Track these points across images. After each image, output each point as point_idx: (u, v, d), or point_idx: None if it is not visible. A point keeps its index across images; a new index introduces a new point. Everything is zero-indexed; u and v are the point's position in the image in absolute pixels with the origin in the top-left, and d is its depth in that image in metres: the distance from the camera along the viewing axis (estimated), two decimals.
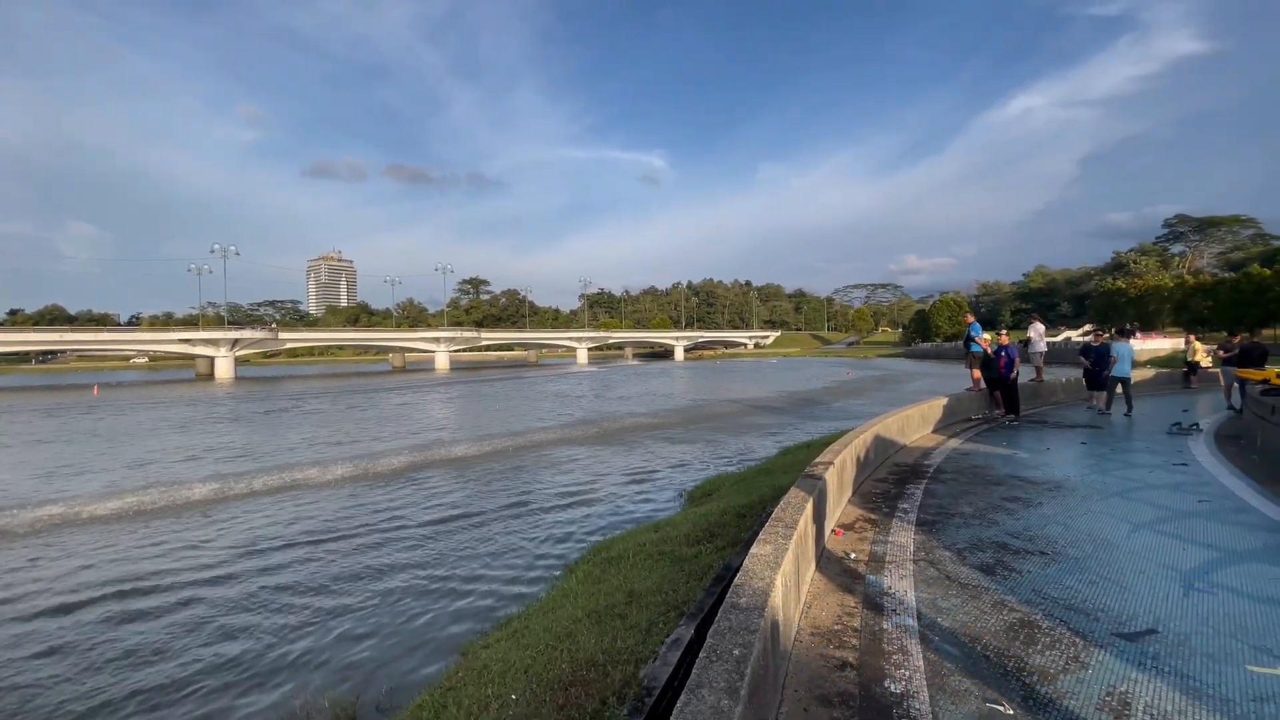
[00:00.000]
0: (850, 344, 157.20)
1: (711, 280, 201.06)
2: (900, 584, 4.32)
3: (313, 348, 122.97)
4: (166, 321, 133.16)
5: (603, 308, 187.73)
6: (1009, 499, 6.60)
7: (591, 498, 14.29)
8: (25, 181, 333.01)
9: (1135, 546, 5.06)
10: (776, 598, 3.07)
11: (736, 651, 2.52)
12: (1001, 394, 13.54)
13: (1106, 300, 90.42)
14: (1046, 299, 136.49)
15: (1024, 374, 14.56)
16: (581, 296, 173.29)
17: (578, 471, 17.40)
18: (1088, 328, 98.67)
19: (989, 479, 7.60)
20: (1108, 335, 17.29)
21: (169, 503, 14.44)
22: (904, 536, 5.35)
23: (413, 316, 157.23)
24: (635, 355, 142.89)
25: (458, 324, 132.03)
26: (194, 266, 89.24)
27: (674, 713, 2.24)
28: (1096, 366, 14.51)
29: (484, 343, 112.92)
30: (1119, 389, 14.28)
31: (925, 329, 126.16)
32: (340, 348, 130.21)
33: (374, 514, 13.19)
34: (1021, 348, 14.39)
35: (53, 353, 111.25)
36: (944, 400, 12.49)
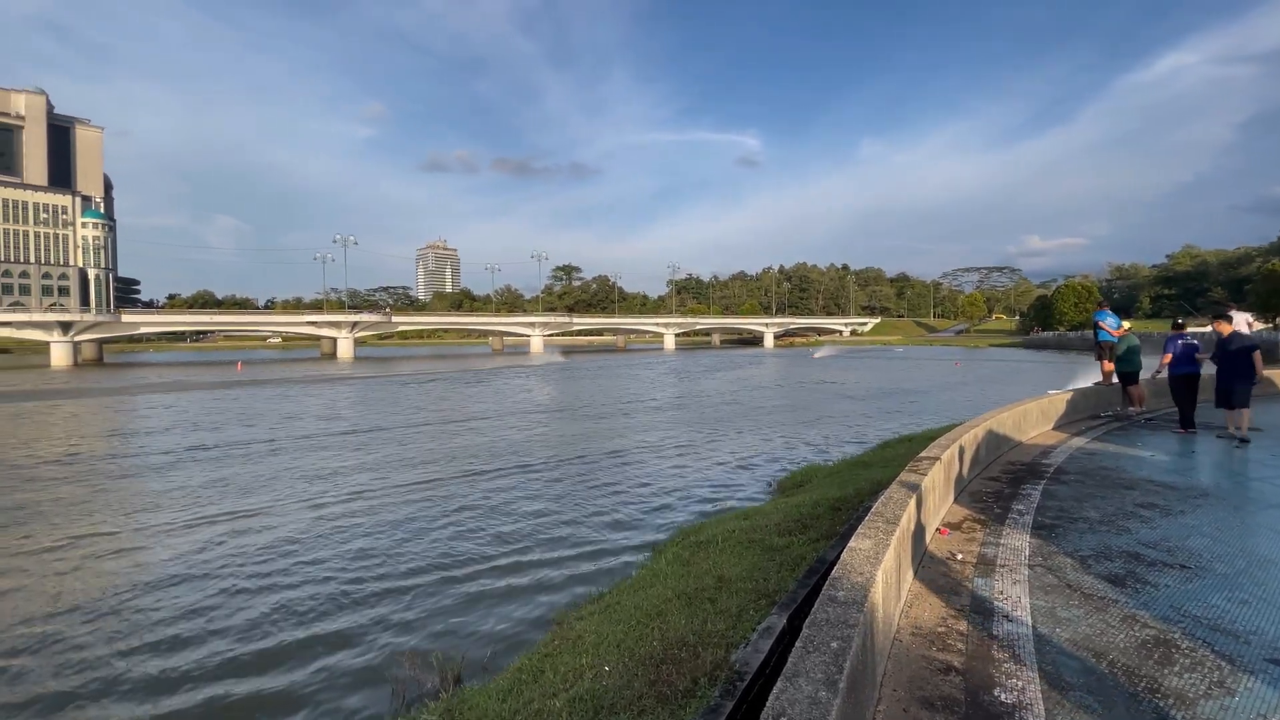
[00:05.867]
0: (959, 332, 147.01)
1: (805, 264, 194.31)
2: (1013, 589, 4.05)
3: (421, 330, 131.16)
4: (297, 306, 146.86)
5: (690, 293, 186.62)
6: (1144, 505, 5.98)
7: (680, 482, 14.41)
8: (181, 180, 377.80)
9: None
10: (876, 594, 2.98)
11: (835, 644, 2.48)
12: (1186, 392, 10.74)
13: (1271, 284, 78.49)
14: (1195, 283, 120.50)
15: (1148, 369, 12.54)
16: (669, 282, 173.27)
17: (666, 456, 17.58)
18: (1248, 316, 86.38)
19: (1120, 482, 6.92)
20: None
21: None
22: (1018, 540, 5.00)
23: (510, 302, 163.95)
24: (723, 342, 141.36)
25: (551, 309, 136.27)
26: (319, 255, 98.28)
27: (770, 699, 2.24)
28: (1233, 373, 9.42)
29: (575, 328, 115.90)
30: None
31: (1047, 316, 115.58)
32: (445, 331, 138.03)
33: (478, 495, 14.02)
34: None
35: (204, 332, 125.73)
36: (1068, 395, 11.46)
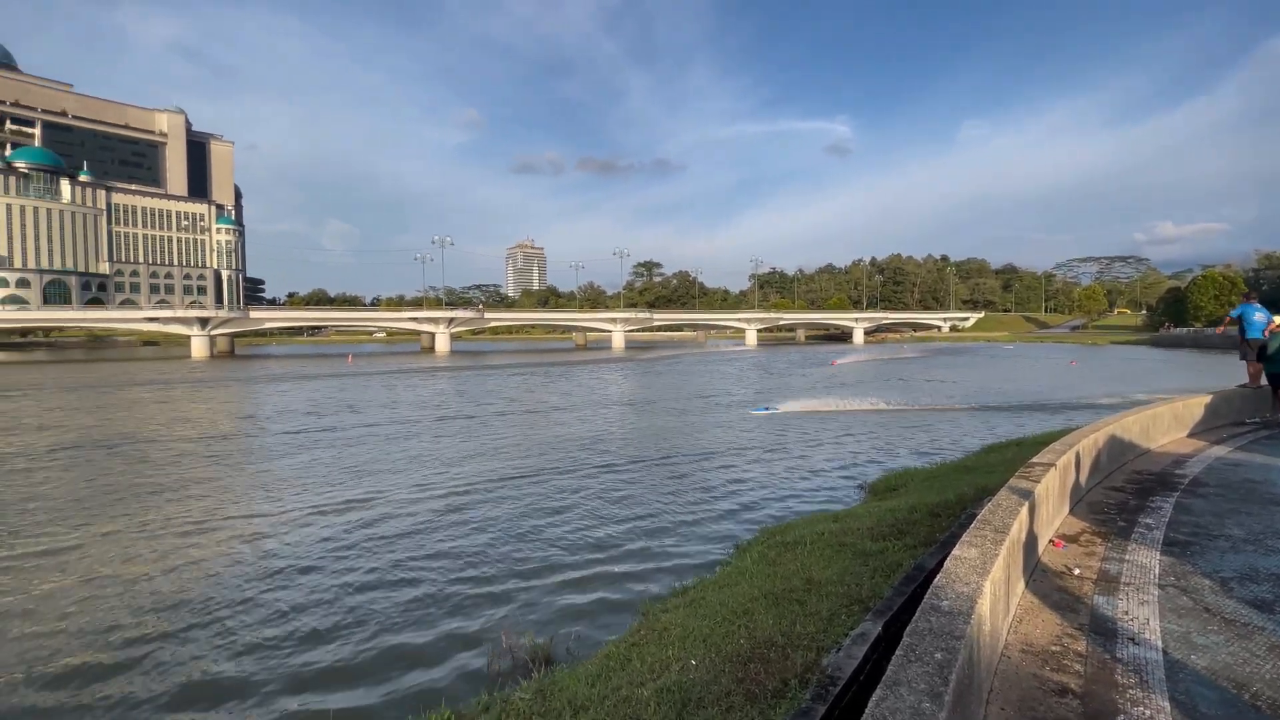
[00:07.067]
0: (1075, 328, 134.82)
1: (899, 256, 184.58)
2: (1140, 610, 3.73)
3: (510, 326, 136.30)
4: (399, 303, 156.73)
5: (774, 288, 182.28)
6: None
7: (764, 481, 14.21)
8: (298, 188, 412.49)
9: None
10: (984, 606, 2.84)
11: (939, 655, 2.39)
12: None
13: None
14: None
15: None
16: (751, 276, 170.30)
17: (750, 452, 17.37)
18: None
19: (1269, 497, 6.16)
20: None
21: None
22: (1145, 556, 4.58)
23: (593, 298, 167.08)
24: (808, 337, 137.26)
25: (632, 305, 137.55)
26: (419, 256, 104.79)
27: (870, 706, 2.20)
28: None
29: (655, 323, 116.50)
30: None
31: (1180, 311, 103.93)
32: (532, 327, 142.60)
33: (565, 484, 14.47)
34: None
35: (318, 327, 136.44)
36: (1205, 398, 10.30)
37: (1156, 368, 50.84)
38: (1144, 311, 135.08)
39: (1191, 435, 9.63)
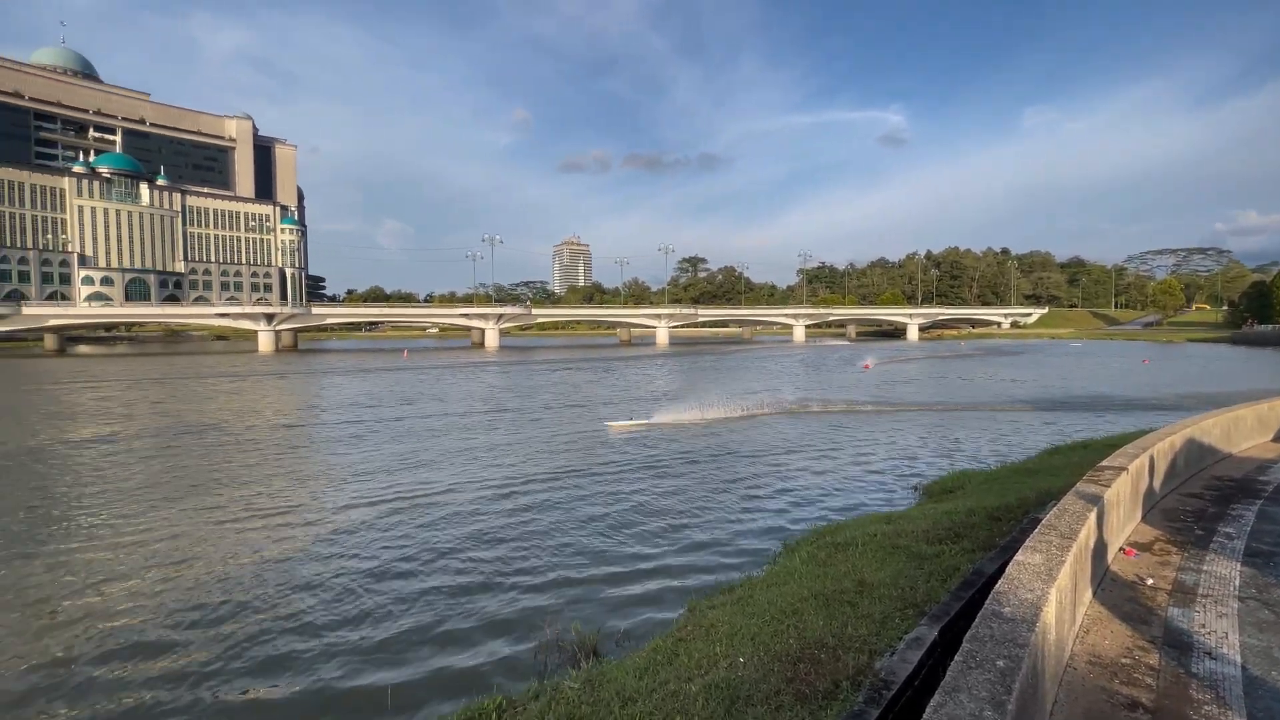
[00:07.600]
0: (1149, 325, 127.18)
1: (956, 249, 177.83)
2: (1218, 623, 3.55)
3: (556, 322, 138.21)
4: (451, 299, 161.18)
5: (823, 283, 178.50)
6: None
7: (813, 480, 14.02)
8: (355, 189, 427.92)
9: None
10: (1049, 614, 2.77)
11: (1001, 663, 2.35)
12: None
13: None
14: None
15: None
16: (800, 271, 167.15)
17: (798, 451, 17.14)
18: None
19: None
20: None
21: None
22: (1224, 567, 4.34)
23: (637, 294, 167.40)
24: (859, 334, 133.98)
25: (676, 301, 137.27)
26: (470, 254, 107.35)
27: (928, 711, 2.18)
28: None
29: (700, 319, 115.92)
30: None
31: (1264, 306, 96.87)
32: (578, 323, 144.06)
33: (611, 480, 14.63)
34: None
35: (375, 323, 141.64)
36: None
37: (1237, 368, 47.56)
38: (1225, 307, 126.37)
39: (1277, 439, 9.01)
